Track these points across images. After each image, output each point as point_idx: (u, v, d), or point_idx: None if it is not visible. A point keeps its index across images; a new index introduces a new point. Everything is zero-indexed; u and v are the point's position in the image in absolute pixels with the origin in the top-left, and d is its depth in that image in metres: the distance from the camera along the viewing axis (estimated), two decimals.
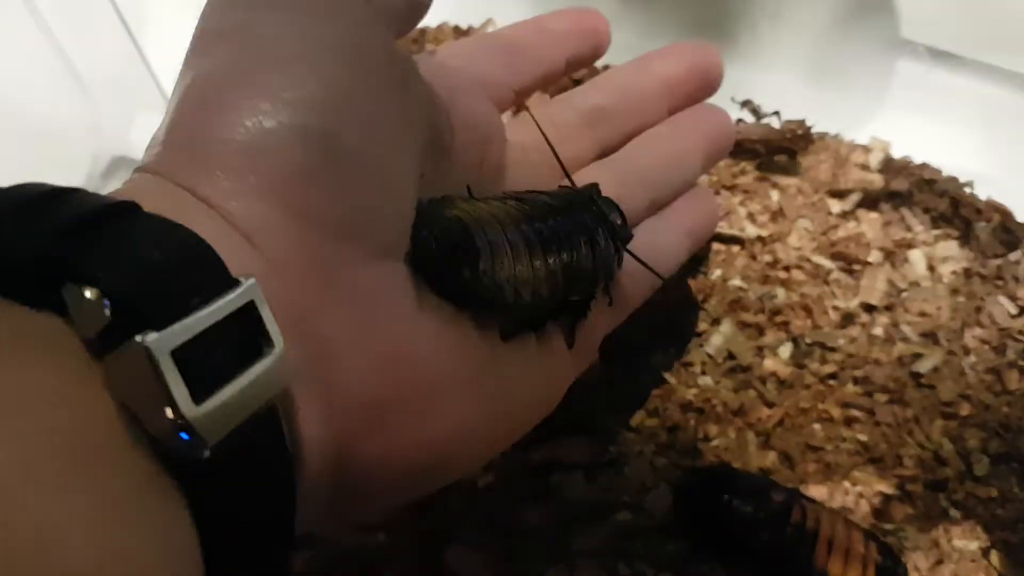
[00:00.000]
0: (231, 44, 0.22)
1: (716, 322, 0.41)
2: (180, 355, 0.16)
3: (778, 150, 0.45)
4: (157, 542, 0.16)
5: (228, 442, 0.17)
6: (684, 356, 0.40)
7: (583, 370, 0.32)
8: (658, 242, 0.34)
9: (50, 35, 0.43)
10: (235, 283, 0.18)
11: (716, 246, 0.43)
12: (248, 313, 0.18)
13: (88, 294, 0.16)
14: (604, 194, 0.30)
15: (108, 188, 0.21)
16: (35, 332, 0.16)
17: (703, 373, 0.39)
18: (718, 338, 0.40)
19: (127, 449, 0.16)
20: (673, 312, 0.41)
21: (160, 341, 0.16)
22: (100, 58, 0.45)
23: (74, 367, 0.16)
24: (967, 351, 0.40)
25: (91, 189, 0.19)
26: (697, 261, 0.42)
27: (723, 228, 0.43)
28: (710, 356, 0.40)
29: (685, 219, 0.37)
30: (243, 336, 0.18)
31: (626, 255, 0.31)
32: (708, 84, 0.37)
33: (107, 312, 0.16)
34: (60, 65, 0.43)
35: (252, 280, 0.18)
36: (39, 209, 0.17)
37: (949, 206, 0.44)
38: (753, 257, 0.43)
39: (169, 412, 0.16)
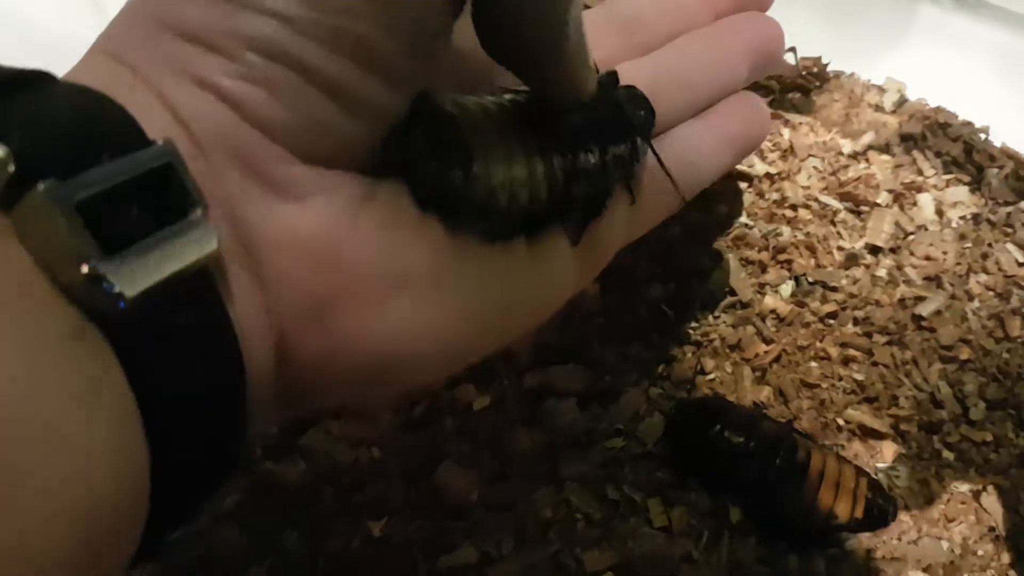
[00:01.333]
0: None
1: (718, 257, 0.40)
2: (89, 208, 0.16)
3: (792, 87, 0.45)
4: (83, 394, 0.16)
5: (155, 300, 0.17)
6: (683, 290, 0.40)
7: (592, 277, 0.30)
8: (694, 146, 0.32)
9: None
10: (150, 144, 0.18)
11: (723, 181, 0.42)
12: (167, 177, 0.18)
13: None
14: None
15: None
16: None
17: (702, 307, 0.39)
18: (719, 273, 0.40)
19: (47, 303, 0.16)
20: (674, 244, 0.41)
21: (62, 189, 0.16)
22: None
23: None
24: (970, 296, 0.40)
25: None
26: (702, 195, 0.42)
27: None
28: (710, 291, 0.40)
29: (728, 123, 0.34)
30: (161, 198, 0.18)
31: (650, 158, 0.29)
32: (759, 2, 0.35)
33: (10, 166, 0.16)
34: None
35: (170, 141, 0.18)
36: None
37: (962, 151, 0.44)
38: (760, 194, 0.42)
39: (78, 262, 0.16)
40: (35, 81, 0.18)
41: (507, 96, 0.26)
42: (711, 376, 0.38)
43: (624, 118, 0.28)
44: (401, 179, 0.23)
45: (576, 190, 0.26)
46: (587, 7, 0.43)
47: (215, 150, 0.20)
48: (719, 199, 0.42)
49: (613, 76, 0.28)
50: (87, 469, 0.16)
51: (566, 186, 0.26)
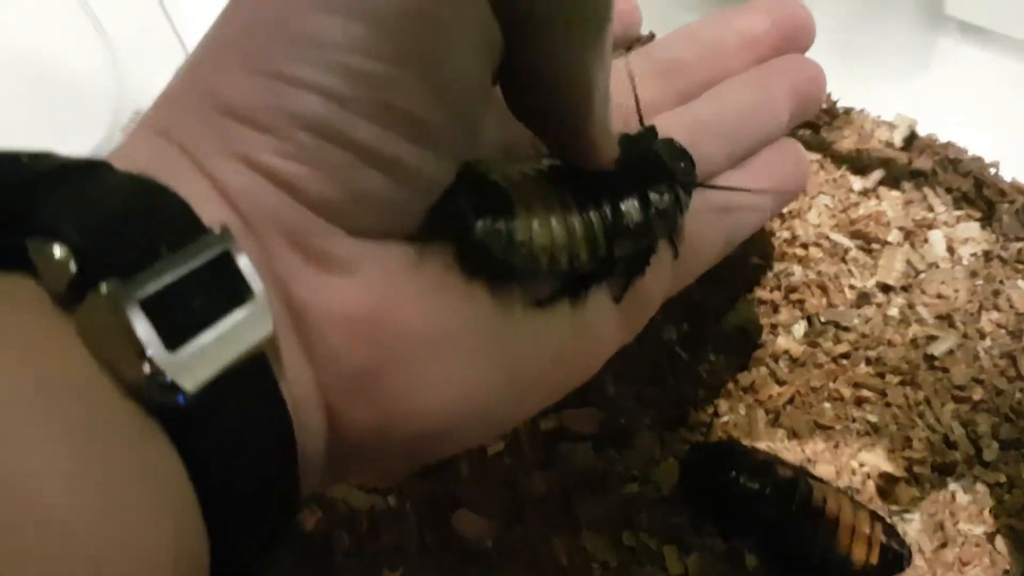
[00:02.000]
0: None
1: (731, 298, 0.41)
2: (152, 304, 0.16)
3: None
4: (143, 488, 0.16)
5: (213, 390, 0.17)
6: (697, 332, 0.40)
7: (636, 332, 0.30)
8: (735, 196, 0.32)
9: None
10: (206, 232, 0.18)
11: None
12: (224, 264, 0.18)
13: (55, 250, 0.16)
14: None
15: None
16: (5, 292, 0.17)
17: (715, 349, 0.39)
18: (732, 315, 0.40)
19: (107, 399, 0.16)
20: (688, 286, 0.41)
21: (126, 288, 0.16)
22: (126, 13, 0.45)
23: (46, 323, 0.16)
24: (983, 335, 0.40)
25: (112, 141, 0.19)
26: None
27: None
28: (723, 332, 0.40)
29: (769, 172, 0.34)
30: (219, 286, 0.18)
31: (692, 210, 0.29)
32: (796, 39, 0.35)
33: (71, 265, 0.16)
34: (86, 20, 0.43)
35: (226, 228, 0.18)
36: (4, 166, 0.17)
37: (973, 187, 0.44)
38: (771, 233, 0.43)
39: (140, 360, 0.16)
40: (88, 169, 0.18)
41: (545, 161, 0.26)
42: (725, 419, 0.38)
43: (665, 170, 0.28)
44: (447, 244, 0.23)
45: (619, 249, 0.26)
46: (628, 50, 0.44)
47: (265, 229, 0.20)
48: None
49: (652, 130, 0.29)
50: (156, 557, 0.16)
51: (608, 245, 0.26)
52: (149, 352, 0.16)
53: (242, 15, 0.21)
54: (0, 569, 0.14)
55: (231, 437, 0.18)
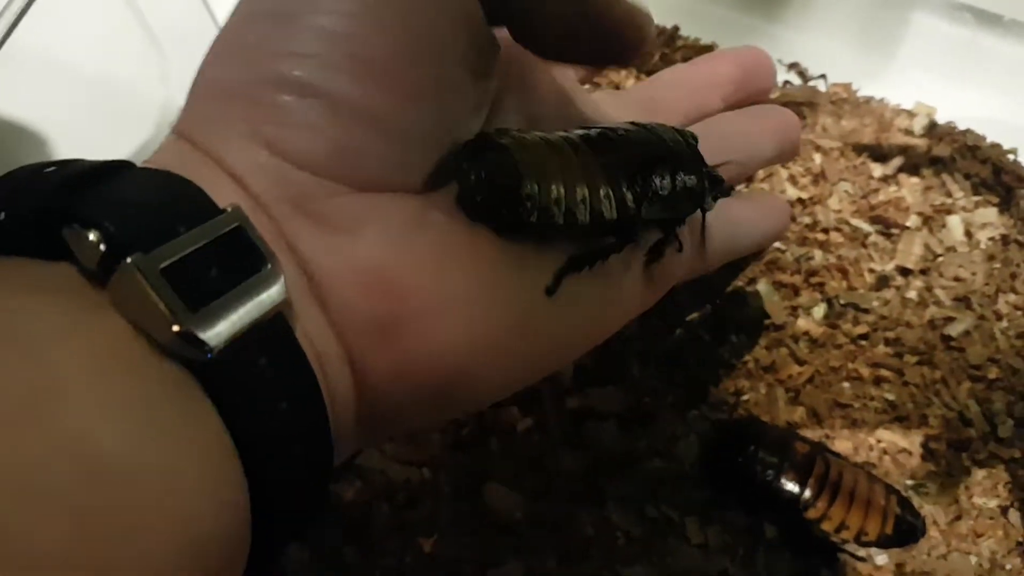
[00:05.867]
0: None
1: (752, 281, 0.42)
2: (174, 273, 0.19)
3: (823, 112, 0.46)
4: (191, 440, 0.18)
5: (238, 346, 0.19)
6: (719, 314, 0.41)
7: (652, 302, 0.31)
8: (736, 212, 0.34)
9: None
10: (220, 212, 0.20)
11: None
12: (238, 239, 0.20)
13: (89, 235, 0.19)
14: None
15: None
16: (48, 277, 0.19)
17: (737, 331, 0.41)
18: (753, 297, 0.42)
19: (147, 361, 0.18)
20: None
21: (147, 259, 0.19)
22: (171, 13, 0.47)
23: (86, 300, 0.19)
24: (999, 316, 0.41)
25: (160, 136, 0.21)
26: None
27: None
28: (745, 315, 0.41)
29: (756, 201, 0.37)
30: (235, 257, 0.20)
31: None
32: (758, 81, 0.38)
33: (101, 246, 0.19)
34: (133, 20, 0.46)
35: (237, 207, 0.21)
36: (42, 175, 0.20)
37: (991, 173, 0.45)
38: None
39: (168, 321, 0.18)
40: (117, 170, 0.21)
41: (578, 131, 0.27)
42: (746, 397, 0.39)
43: (700, 160, 0.29)
44: (452, 196, 0.25)
45: (648, 212, 0.27)
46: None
47: (273, 201, 0.22)
48: None
49: (694, 135, 0.30)
50: (202, 506, 0.18)
51: (636, 207, 0.27)
52: (172, 312, 0.18)
53: (239, 11, 0.24)
54: (83, 521, 0.16)
55: (260, 385, 0.20)
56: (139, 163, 0.22)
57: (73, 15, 0.46)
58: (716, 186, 0.30)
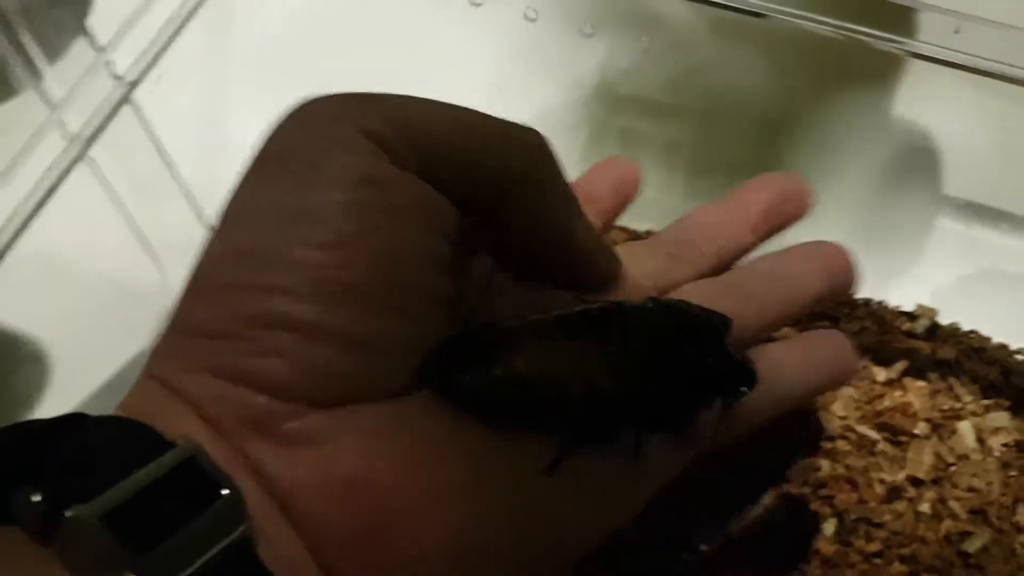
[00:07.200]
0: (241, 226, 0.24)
1: (760, 496, 0.41)
2: (118, 519, 0.19)
3: (820, 315, 0.46)
4: None
5: None
6: (724, 530, 0.40)
7: (654, 490, 0.28)
8: (777, 360, 0.31)
9: (121, 207, 0.47)
10: (170, 446, 0.20)
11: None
12: (190, 470, 0.20)
13: (30, 496, 0.19)
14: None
15: None
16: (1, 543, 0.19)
17: (745, 553, 0.39)
18: (758, 509, 0.40)
19: None
20: (716, 483, 0.41)
21: (85, 508, 0.18)
22: (168, 226, 0.49)
23: (31, 561, 0.19)
24: (1019, 529, 0.39)
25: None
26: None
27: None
28: (751, 531, 0.40)
29: (815, 348, 0.34)
30: (189, 489, 0.20)
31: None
32: (795, 208, 0.36)
33: (44, 504, 0.19)
34: (131, 234, 0.47)
35: (188, 437, 0.21)
36: None
37: (999, 374, 0.44)
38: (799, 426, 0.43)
39: (114, 569, 0.18)
40: (65, 426, 0.21)
41: (579, 308, 0.26)
42: None
43: (720, 339, 0.27)
44: (430, 396, 0.24)
45: (651, 389, 0.25)
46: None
47: (232, 427, 0.22)
48: (759, 435, 0.43)
49: (727, 319, 0.28)
50: None
51: (643, 383, 0.25)
52: (115, 558, 0.18)
53: (213, 247, 0.25)
54: None
55: None
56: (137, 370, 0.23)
57: (67, 219, 0.48)
58: (745, 379, 0.27)
